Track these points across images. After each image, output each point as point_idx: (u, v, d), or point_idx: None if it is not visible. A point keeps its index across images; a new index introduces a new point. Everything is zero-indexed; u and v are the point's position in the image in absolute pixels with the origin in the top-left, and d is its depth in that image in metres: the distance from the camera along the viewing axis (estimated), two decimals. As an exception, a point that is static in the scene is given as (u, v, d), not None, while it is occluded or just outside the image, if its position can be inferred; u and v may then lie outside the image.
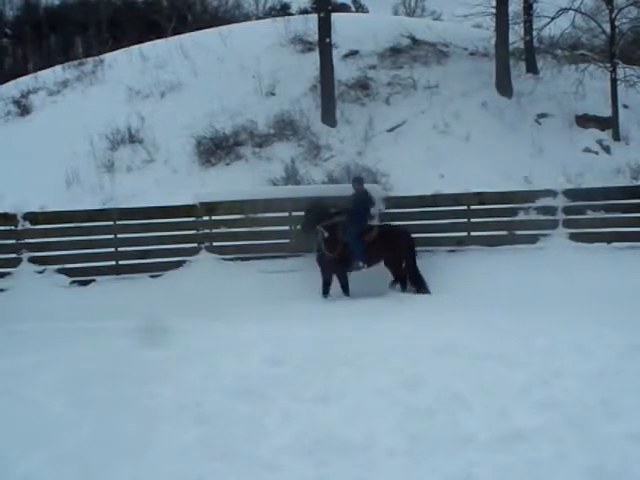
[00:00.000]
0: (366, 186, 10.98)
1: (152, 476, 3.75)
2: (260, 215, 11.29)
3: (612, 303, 7.96)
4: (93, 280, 11.08)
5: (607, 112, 16.54)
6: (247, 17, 36.91)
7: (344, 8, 36.70)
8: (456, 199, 11.45)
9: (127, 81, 18.98)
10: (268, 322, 7.55)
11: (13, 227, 11.03)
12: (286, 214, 11.39)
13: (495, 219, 11.47)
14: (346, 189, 11.02)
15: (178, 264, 11.25)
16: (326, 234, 10.43)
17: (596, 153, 16.01)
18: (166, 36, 24.26)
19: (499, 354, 5.40)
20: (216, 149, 16.05)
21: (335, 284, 10.50)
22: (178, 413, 4.48)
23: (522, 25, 18.55)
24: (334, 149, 15.98)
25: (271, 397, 4.68)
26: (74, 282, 11.02)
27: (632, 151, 15.74)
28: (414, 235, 10.74)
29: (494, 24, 18.33)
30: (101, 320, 8.00)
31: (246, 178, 14.63)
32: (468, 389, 4.64)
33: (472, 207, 11.40)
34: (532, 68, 18.54)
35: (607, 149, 16.15)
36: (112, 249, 11.23)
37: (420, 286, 10.34)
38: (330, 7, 17.58)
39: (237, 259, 11.28)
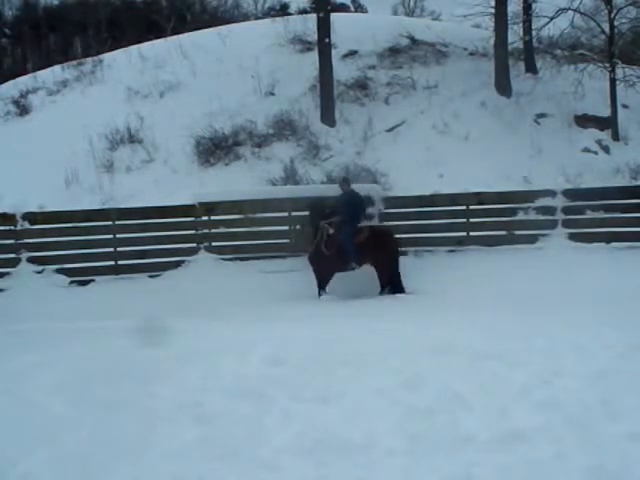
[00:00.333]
0: (365, 186, 11.00)
1: (152, 476, 3.75)
2: (259, 215, 11.30)
3: (612, 303, 7.96)
4: (92, 280, 11.09)
5: (606, 112, 16.55)
6: (246, 17, 36.94)
7: (343, 8, 36.70)
8: (455, 199, 11.47)
9: (126, 81, 18.98)
10: (268, 322, 7.55)
11: (12, 227, 11.03)
12: (285, 214, 11.40)
13: (494, 219, 11.49)
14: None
15: (177, 264, 11.25)
16: (331, 230, 10.46)
17: (595, 153, 16.01)
18: (165, 36, 24.26)
19: (499, 354, 5.39)
20: (215, 149, 16.05)
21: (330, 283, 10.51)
22: (178, 413, 4.47)
23: (521, 25, 18.56)
24: (333, 149, 15.98)
25: (271, 397, 4.67)
26: (73, 282, 11.02)
27: (631, 151, 15.75)
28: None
29: (493, 24, 18.36)
30: (100, 320, 7.98)
31: (245, 178, 14.63)
32: (468, 389, 4.64)
33: (471, 207, 11.42)
34: (531, 68, 18.55)
35: (606, 149, 16.15)
36: (111, 249, 11.24)
37: (396, 286, 10.37)
38: (329, 7, 17.58)
39: (236, 259, 11.29)
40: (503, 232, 11.32)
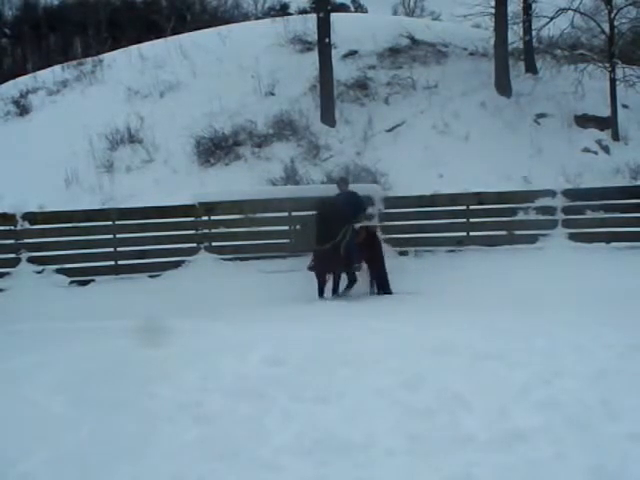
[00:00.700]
0: (366, 186, 11.00)
1: (152, 476, 3.74)
2: (259, 215, 11.30)
3: (611, 303, 7.95)
4: (92, 280, 11.07)
5: (606, 112, 16.55)
6: (246, 17, 36.97)
7: (343, 8, 36.70)
8: (455, 199, 11.47)
9: (126, 81, 18.99)
10: (268, 322, 7.54)
11: (12, 227, 11.01)
12: (285, 214, 11.40)
13: (494, 219, 11.49)
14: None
15: (177, 264, 11.24)
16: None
17: (595, 153, 16.01)
18: (165, 36, 24.25)
19: (499, 354, 5.39)
20: (215, 149, 16.05)
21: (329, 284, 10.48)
22: (178, 413, 4.47)
23: (521, 25, 18.58)
24: (333, 149, 15.98)
25: (271, 397, 4.67)
26: (73, 282, 11.01)
27: (631, 151, 15.76)
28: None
29: (493, 24, 18.36)
30: (100, 320, 7.97)
31: (245, 178, 14.64)
32: (468, 389, 4.64)
33: (471, 207, 11.43)
34: (531, 68, 18.56)
35: (606, 149, 16.15)
36: (111, 249, 11.23)
37: (385, 287, 10.43)
38: (329, 7, 17.59)
39: (236, 259, 11.28)
40: (503, 232, 11.32)
